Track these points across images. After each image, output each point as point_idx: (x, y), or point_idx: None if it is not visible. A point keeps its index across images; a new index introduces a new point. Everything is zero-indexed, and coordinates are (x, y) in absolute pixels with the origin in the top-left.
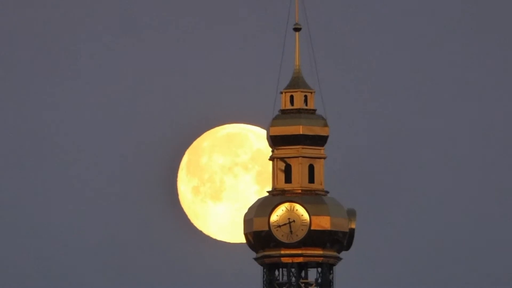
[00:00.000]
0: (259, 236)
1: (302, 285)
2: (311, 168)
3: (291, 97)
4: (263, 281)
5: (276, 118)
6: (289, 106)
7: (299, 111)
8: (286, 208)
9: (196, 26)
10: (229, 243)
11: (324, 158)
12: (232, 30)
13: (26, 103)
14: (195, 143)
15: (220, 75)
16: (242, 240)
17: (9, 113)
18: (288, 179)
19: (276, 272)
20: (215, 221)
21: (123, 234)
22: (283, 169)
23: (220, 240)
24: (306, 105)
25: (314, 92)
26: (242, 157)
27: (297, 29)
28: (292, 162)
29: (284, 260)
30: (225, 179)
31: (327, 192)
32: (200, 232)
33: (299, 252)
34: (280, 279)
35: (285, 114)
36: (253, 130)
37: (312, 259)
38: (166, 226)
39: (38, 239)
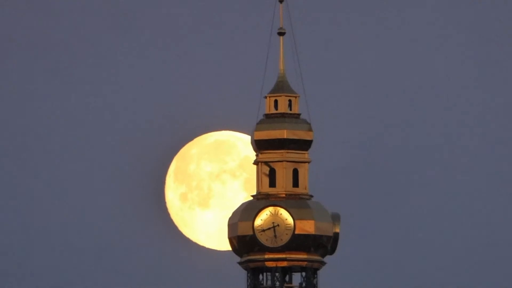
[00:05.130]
0: (244, 240)
1: None
2: (295, 172)
3: (275, 101)
4: (247, 286)
5: (260, 122)
6: (273, 111)
7: (283, 115)
8: (271, 212)
9: (180, 32)
10: (216, 250)
11: (309, 162)
12: (216, 35)
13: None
14: (183, 150)
15: (204, 81)
16: (230, 247)
17: (4, 114)
18: (272, 183)
19: (260, 277)
20: (202, 228)
21: (110, 241)
22: (268, 173)
23: (207, 247)
24: (291, 109)
25: (299, 96)
26: (230, 164)
27: (281, 34)
28: (277, 166)
29: (268, 264)
30: (213, 186)
31: (312, 196)
32: (188, 239)
33: (283, 256)
34: (265, 284)
35: (269, 119)
36: (241, 138)
37: (296, 263)
38: (153, 233)
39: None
